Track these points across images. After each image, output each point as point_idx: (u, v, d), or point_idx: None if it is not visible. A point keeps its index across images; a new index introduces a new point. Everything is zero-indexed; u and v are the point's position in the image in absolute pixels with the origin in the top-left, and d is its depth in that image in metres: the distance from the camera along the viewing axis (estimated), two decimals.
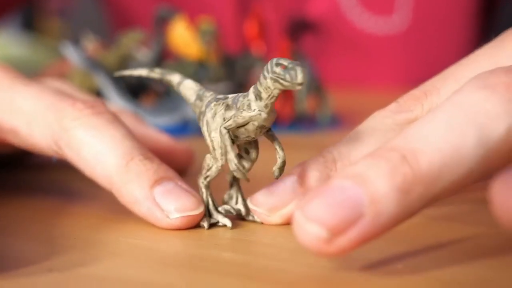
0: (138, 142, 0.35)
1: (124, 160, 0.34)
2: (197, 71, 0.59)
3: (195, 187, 0.34)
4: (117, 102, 0.57)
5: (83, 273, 0.28)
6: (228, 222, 0.33)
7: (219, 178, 0.34)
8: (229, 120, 0.32)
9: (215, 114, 0.33)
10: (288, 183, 0.33)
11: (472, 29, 0.86)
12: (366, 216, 0.26)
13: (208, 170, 0.33)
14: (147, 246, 0.32)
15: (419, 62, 0.86)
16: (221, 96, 0.34)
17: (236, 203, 0.34)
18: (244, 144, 0.33)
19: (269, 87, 0.31)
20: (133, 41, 0.60)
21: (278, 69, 0.30)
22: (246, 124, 0.32)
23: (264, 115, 0.31)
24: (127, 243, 0.32)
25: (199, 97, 0.35)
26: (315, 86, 0.59)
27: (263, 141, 0.33)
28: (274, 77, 0.30)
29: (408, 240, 0.30)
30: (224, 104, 0.33)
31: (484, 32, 0.87)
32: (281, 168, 0.33)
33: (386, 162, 0.26)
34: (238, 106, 0.32)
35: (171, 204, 0.33)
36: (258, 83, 0.31)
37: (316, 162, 0.33)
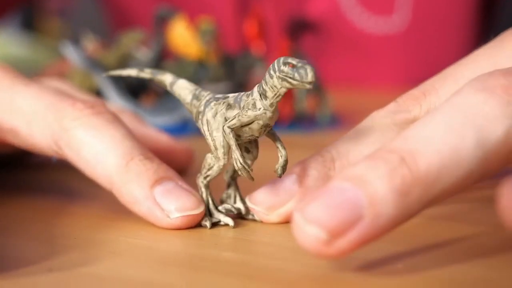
0: (138, 142, 0.35)
1: (124, 160, 0.34)
2: (197, 71, 0.59)
3: (195, 187, 0.34)
4: (117, 102, 0.57)
5: (83, 273, 0.28)
6: (230, 221, 0.33)
7: (217, 177, 0.34)
8: (233, 119, 0.32)
9: (216, 113, 0.33)
10: (287, 182, 0.33)
11: (472, 29, 0.86)
12: (365, 218, 0.26)
13: (209, 169, 0.33)
14: (147, 246, 0.32)
15: (419, 62, 0.86)
16: (219, 95, 0.34)
17: (235, 202, 0.34)
18: (245, 143, 0.33)
19: (275, 86, 0.31)
20: (133, 41, 0.60)
21: (286, 68, 0.30)
22: (251, 123, 0.32)
23: (269, 113, 0.31)
24: (127, 242, 0.32)
25: (196, 97, 0.34)
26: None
27: (261, 140, 0.33)
28: (282, 76, 0.30)
29: (408, 240, 0.30)
30: (225, 104, 0.33)
31: (484, 32, 0.87)
32: (284, 167, 0.33)
33: (385, 164, 0.26)
34: (242, 105, 0.32)
35: (172, 203, 0.33)
36: (263, 82, 0.31)
37: (314, 161, 0.33)
